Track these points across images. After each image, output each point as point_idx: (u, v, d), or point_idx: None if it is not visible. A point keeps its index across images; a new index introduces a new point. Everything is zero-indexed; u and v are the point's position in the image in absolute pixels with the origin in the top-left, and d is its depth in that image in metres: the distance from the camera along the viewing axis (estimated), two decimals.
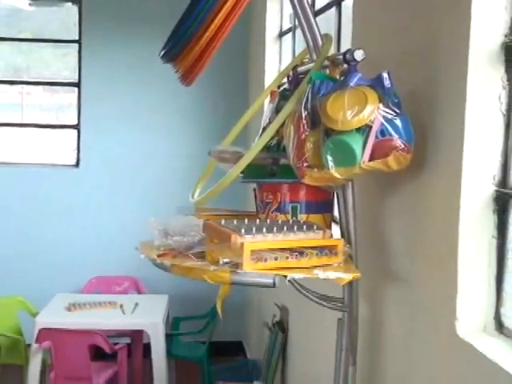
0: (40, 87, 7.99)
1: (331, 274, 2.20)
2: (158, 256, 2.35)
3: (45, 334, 5.50)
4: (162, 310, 6.03)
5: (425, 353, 2.34)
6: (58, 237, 7.27)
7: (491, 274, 2.11)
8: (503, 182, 2.09)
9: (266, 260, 2.15)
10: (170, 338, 5.93)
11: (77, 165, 7.38)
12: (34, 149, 7.75)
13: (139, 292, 6.94)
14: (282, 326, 5.02)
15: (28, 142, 7.74)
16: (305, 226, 2.35)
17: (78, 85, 7.34)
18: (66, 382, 5.62)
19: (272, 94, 2.94)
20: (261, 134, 2.68)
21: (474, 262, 2.10)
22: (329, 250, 2.27)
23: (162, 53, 2.66)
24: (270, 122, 2.71)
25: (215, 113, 7.17)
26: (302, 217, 2.56)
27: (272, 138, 2.59)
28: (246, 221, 2.36)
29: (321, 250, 2.26)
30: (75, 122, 7.39)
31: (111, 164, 7.30)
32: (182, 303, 6.83)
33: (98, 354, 5.68)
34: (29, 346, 5.77)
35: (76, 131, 7.38)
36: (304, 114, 2.28)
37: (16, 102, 7.85)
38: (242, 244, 2.13)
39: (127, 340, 6.15)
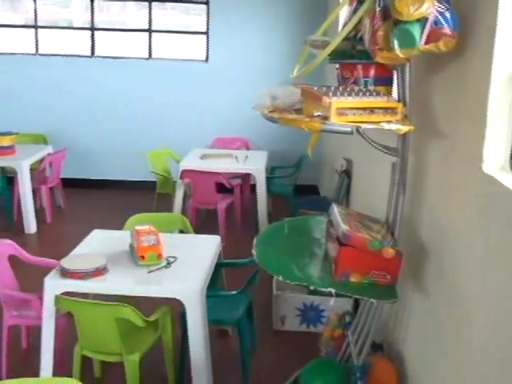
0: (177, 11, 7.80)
1: (393, 126, 2.11)
2: (269, 112, 2.30)
3: (186, 173, 5.61)
4: (264, 161, 6.04)
5: (456, 188, 2.26)
6: (195, 110, 7.30)
7: (509, 128, 1.99)
8: None
9: (347, 115, 2.07)
10: (268, 179, 5.95)
11: (206, 60, 7.29)
12: (179, 49, 7.64)
13: (248, 149, 6.95)
14: (347, 173, 4.96)
15: (171, 44, 7.63)
16: (374, 93, 2.25)
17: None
18: (201, 205, 5.76)
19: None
20: (342, 28, 2.55)
21: (498, 119, 1.98)
22: (391, 110, 2.18)
23: None
24: (349, 20, 2.58)
25: (301, 21, 6.94)
26: (371, 88, 2.45)
27: (351, 31, 2.46)
28: (332, 88, 2.27)
29: (385, 109, 2.17)
30: (205, 30, 7.26)
31: (232, 59, 7.20)
32: (277, 156, 6.83)
33: (220, 188, 5.75)
34: (174, 182, 5.91)
35: (205, 36, 7.26)
36: (378, 9, 2.15)
37: (161, 21, 7.65)
38: (330, 103, 2.06)
39: (239, 181, 6.21)
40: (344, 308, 3.79)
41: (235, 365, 3.54)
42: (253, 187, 6.01)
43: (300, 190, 6.41)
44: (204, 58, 7.27)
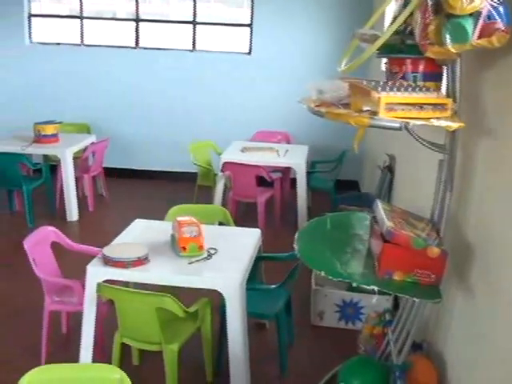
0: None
1: (443, 123, 2.07)
2: (316, 106, 2.28)
3: (227, 166, 5.63)
4: (304, 155, 6.02)
5: (504, 188, 2.20)
6: (236, 102, 7.31)
7: None
8: None
9: (395, 110, 2.04)
10: (309, 174, 5.92)
11: (249, 53, 7.28)
12: (222, 41, 7.66)
13: (288, 142, 6.93)
14: (390, 169, 4.91)
15: (214, 36, 7.65)
16: (424, 88, 2.21)
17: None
18: (240, 198, 5.77)
19: None
20: (392, 22, 2.51)
21: None
22: (441, 106, 2.14)
23: None
24: (398, 14, 2.53)
25: (346, 13, 6.87)
26: (420, 83, 2.41)
27: (401, 25, 2.42)
28: (381, 83, 2.24)
29: (435, 106, 2.13)
30: (248, 22, 7.25)
31: (275, 52, 7.17)
32: (318, 151, 6.78)
33: (261, 181, 5.74)
34: (215, 174, 5.93)
35: (249, 29, 7.25)
36: (429, 3, 2.11)
37: (204, 13, 7.65)
38: (379, 98, 2.03)
39: (279, 174, 6.20)
40: (383, 306, 3.75)
41: (272, 358, 3.54)
42: (293, 181, 6.00)
43: (340, 185, 6.37)
44: (247, 51, 7.27)
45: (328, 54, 6.89)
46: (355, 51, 2.68)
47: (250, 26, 7.20)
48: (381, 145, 5.61)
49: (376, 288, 2.23)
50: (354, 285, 2.33)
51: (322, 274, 2.26)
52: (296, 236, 2.56)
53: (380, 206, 2.54)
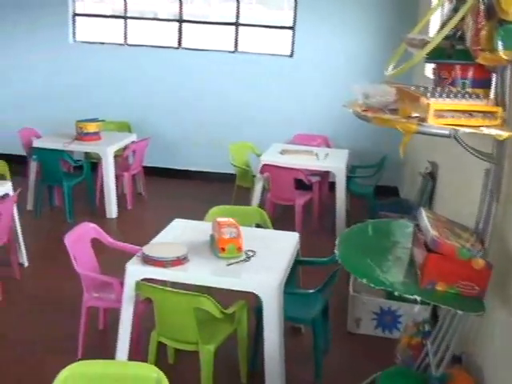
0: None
1: (493, 131, 2.02)
2: (362, 111, 2.25)
3: (266, 167, 5.62)
4: (344, 160, 5.97)
5: None
6: (276, 105, 7.30)
7: None
8: None
9: (445, 117, 2.00)
10: (348, 179, 5.88)
11: (291, 55, 7.27)
12: (263, 43, 7.66)
13: (328, 146, 6.90)
14: (432, 176, 4.83)
15: (255, 38, 7.66)
16: (473, 95, 2.16)
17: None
18: (278, 201, 5.76)
19: None
20: (441, 27, 2.47)
21: None
22: (490, 114, 2.09)
23: None
24: (448, 19, 2.49)
25: (390, 16, 6.80)
26: (469, 90, 2.37)
27: (451, 30, 2.38)
28: (430, 88, 2.20)
29: (484, 113, 2.08)
30: (291, 25, 7.23)
31: (317, 55, 7.14)
32: (358, 156, 6.72)
33: (299, 184, 5.72)
34: (253, 175, 5.93)
35: (291, 31, 7.23)
36: (482, 7, 2.07)
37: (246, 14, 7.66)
38: (429, 104, 2.00)
39: (318, 178, 6.16)
40: (422, 315, 3.69)
41: (307, 363, 3.52)
42: (331, 185, 5.96)
43: (379, 190, 6.29)
44: (289, 53, 7.25)
45: (370, 56, 6.82)
46: (402, 56, 2.65)
47: (292, 28, 7.19)
48: (422, 151, 5.53)
49: (419, 298, 2.19)
50: (396, 294, 2.29)
51: (364, 281, 2.23)
52: (337, 241, 2.54)
53: (424, 214, 2.49)
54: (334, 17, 7.00)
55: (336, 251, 2.44)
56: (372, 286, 2.23)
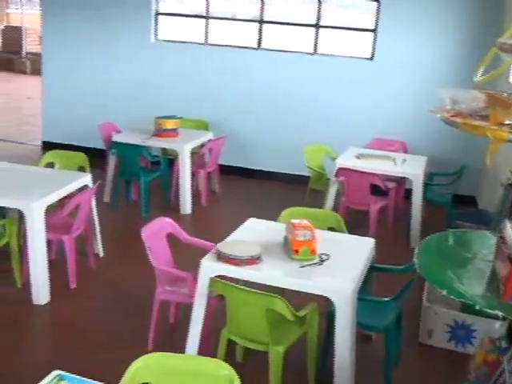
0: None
1: None
2: (451, 116, 2.19)
3: (341, 171, 5.57)
4: (422, 166, 5.84)
5: None
6: (354, 108, 7.23)
7: None
8: None
9: None
10: (426, 186, 5.74)
11: (371, 58, 7.18)
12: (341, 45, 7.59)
13: (405, 152, 6.76)
14: None
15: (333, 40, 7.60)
16: None
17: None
18: (352, 205, 5.69)
19: None
20: None
21: None
22: None
23: None
24: None
25: (474, 19, 6.59)
26: None
27: None
28: None
29: None
30: (373, 27, 7.13)
31: (399, 59, 7.01)
32: (435, 163, 6.54)
33: (374, 190, 5.63)
34: (328, 179, 5.89)
35: (373, 34, 7.13)
36: None
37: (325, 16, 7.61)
38: None
39: (394, 184, 6.05)
40: (498, 331, 3.56)
41: (376, 372, 3.46)
42: (407, 192, 5.83)
43: (456, 199, 6.11)
44: (369, 56, 7.16)
45: (453, 61, 6.64)
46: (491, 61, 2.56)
47: (374, 31, 7.09)
48: (504, 160, 5.33)
49: (501, 314, 2.11)
50: (477, 307, 2.21)
51: (444, 293, 2.17)
52: (416, 250, 2.48)
53: (509, 227, 2.41)
54: (418, 21, 6.85)
55: (415, 260, 2.39)
56: (452, 297, 2.17)
